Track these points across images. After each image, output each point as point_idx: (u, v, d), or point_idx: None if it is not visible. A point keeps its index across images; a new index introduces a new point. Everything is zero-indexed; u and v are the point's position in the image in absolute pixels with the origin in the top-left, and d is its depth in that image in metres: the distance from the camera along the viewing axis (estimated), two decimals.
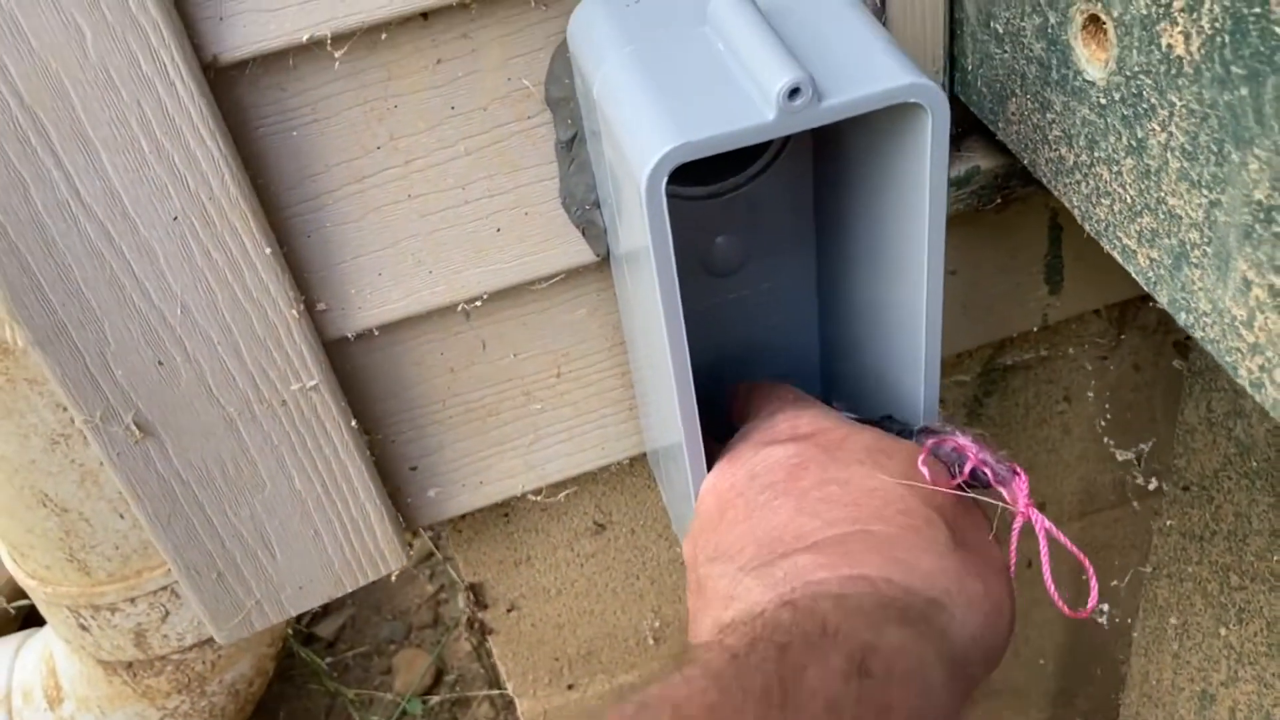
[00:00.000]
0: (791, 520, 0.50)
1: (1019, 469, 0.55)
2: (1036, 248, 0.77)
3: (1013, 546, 0.56)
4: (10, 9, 0.49)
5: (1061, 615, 1.11)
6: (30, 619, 1.15)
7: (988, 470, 0.53)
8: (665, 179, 0.46)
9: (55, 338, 0.58)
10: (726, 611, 0.50)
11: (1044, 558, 0.54)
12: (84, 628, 0.85)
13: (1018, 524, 0.56)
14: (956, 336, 0.80)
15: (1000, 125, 0.60)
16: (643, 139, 0.47)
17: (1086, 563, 0.55)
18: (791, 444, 0.54)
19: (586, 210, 0.63)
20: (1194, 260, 0.46)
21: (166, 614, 0.85)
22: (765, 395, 0.62)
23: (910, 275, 0.55)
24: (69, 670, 0.93)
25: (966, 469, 0.54)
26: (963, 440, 0.54)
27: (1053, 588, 0.56)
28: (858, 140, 0.57)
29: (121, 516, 0.79)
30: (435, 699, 1.67)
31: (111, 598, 0.82)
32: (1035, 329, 0.82)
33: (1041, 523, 0.54)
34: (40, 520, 0.78)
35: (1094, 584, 0.55)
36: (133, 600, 0.83)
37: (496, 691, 1.66)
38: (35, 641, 0.99)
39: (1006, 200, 0.69)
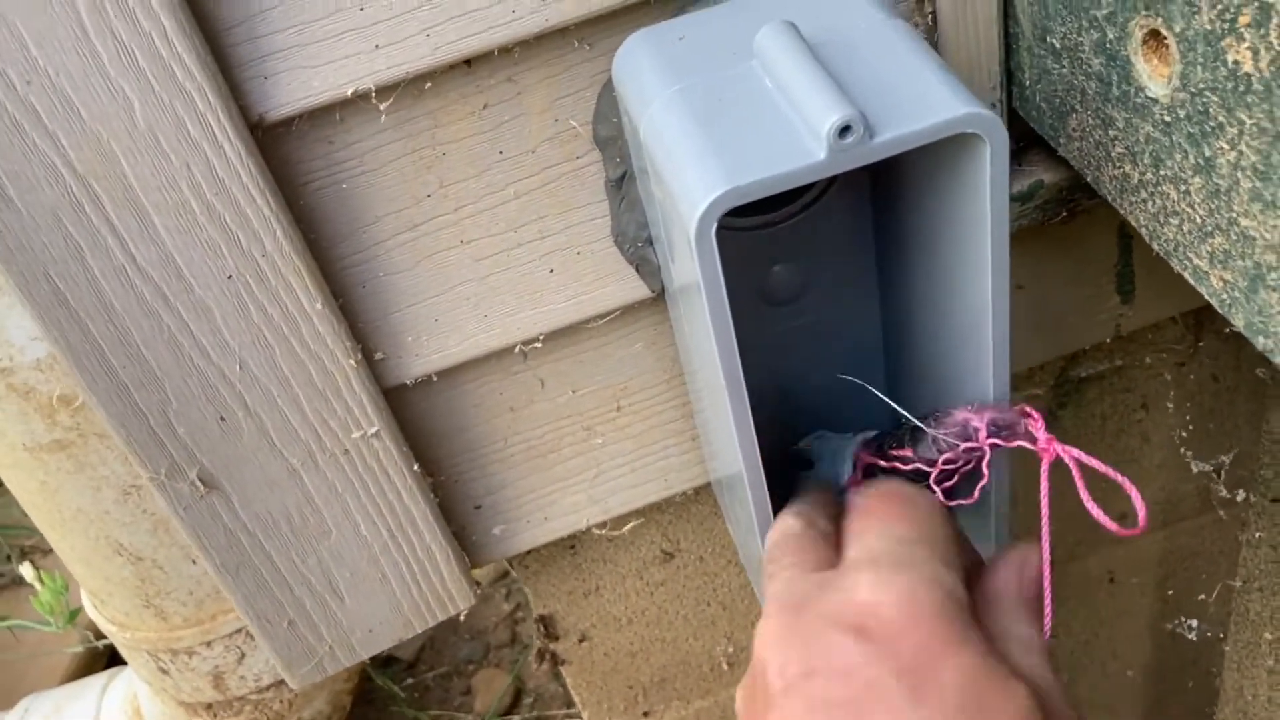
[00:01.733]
0: None
1: (1030, 410, 0.52)
2: (1106, 258, 0.75)
3: (1044, 487, 0.53)
4: (60, 84, 0.49)
5: (1149, 628, 1.08)
6: (116, 657, 1.17)
7: (1000, 425, 0.50)
8: (715, 224, 0.45)
9: (118, 399, 0.58)
10: None
11: (1080, 486, 0.52)
12: (164, 671, 0.86)
13: (1045, 464, 0.53)
14: (1027, 351, 0.78)
15: (1061, 141, 0.59)
16: (691, 184, 0.46)
17: (1126, 483, 0.52)
18: (868, 643, 0.42)
19: (639, 247, 0.63)
20: (1271, 283, 0.44)
21: (242, 656, 0.86)
22: (874, 507, 0.51)
23: (974, 303, 0.53)
24: (152, 710, 0.95)
25: (982, 434, 0.51)
26: (965, 413, 0.52)
27: (1094, 509, 0.53)
28: (915, 166, 0.55)
29: (194, 562, 0.80)
30: (515, 718, 1.67)
31: (188, 642, 0.84)
32: (1108, 340, 0.79)
33: (1070, 453, 0.51)
34: (117, 569, 0.80)
35: (1137, 499, 0.52)
36: (209, 644, 0.84)
37: (575, 710, 1.66)
38: (120, 681, 1.01)
39: (1072, 213, 0.67)
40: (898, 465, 0.57)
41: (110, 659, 1.30)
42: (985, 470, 0.54)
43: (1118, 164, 0.53)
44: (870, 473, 0.61)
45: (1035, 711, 0.41)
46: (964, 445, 0.53)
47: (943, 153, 0.50)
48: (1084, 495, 0.49)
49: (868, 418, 0.72)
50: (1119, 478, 0.51)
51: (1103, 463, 0.92)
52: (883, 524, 0.49)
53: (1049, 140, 0.60)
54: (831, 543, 0.51)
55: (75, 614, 1.04)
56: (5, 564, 1.60)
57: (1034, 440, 0.52)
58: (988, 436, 0.51)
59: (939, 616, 0.43)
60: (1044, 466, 0.52)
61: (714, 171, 0.45)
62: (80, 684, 1.03)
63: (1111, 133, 0.53)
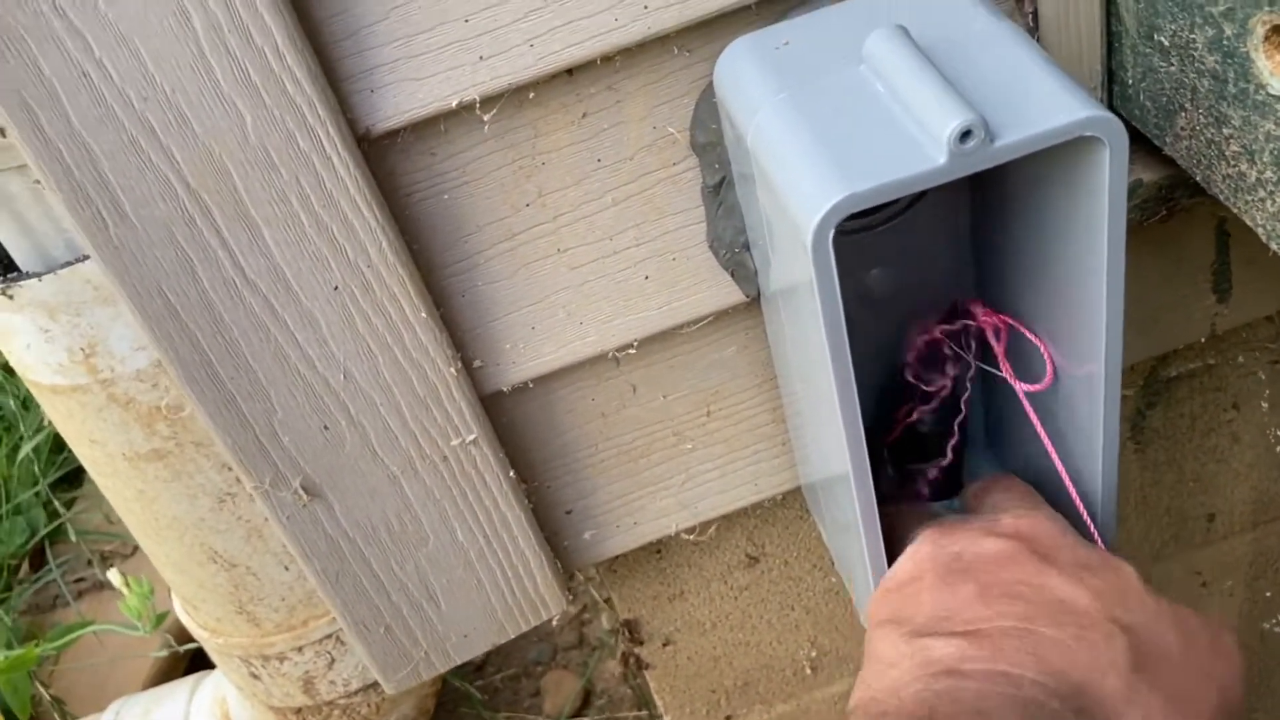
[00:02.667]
0: (967, 604, 0.50)
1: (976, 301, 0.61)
2: (1203, 256, 0.73)
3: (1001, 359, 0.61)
4: (176, 100, 0.50)
5: (1242, 629, 1.06)
6: (197, 660, 1.19)
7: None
8: (832, 231, 0.45)
9: (225, 410, 0.59)
10: (879, 680, 0.51)
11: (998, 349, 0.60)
12: (255, 676, 0.87)
13: (990, 337, 0.62)
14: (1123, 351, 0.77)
15: (1168, 140, 0.58)
16: (806, 191, 0.45)
17: (1041, 343, 0.59)
18: (1007, 541, 0.53)
19: (736, 253, 0.62)
20: None
21: (332, 661, 0.86)
22: (999, 487, 0.62)
23: (1085, 304, 0.53)
24: (241, 714, 0.96)
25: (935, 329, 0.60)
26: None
27: (1006, 367, 0.62)
28: (1020, 168, 0.54)
29: (286, 569, 0.81)
30: None
31: (280, 647, 0.85)
32: (1202, 339, 0.78)
33: (992, 320, 0.60)
34: (210, 576, 0.81)
35: (1047, 354, 0.59)
36: (300, 649, 0.85)
37: (645, 712, 1.66)
38: (208, 685, 1.02)
39: (1171, 211, 0.66)
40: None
41: (191, 663, 1.32)
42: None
43: (1232, 162, 0.52)
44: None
45: (1136, 577, 0.52)
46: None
47: (1054, 156, 0.50)
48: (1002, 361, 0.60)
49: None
50: (1037, 340, 0.59)
51: (1191, 458, 0.91)
52: (1010, 495, 0.60)
53: (1153, 139, 0.59)
54: None
55: (162, 618, 1.05)
56: (87, 569, 1.63)
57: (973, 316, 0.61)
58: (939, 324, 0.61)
59: (1068, 533, 0.55)
60: (992, 339, 0.61)
61: (832, 177, 0.45)
62: (168, 687, 1.05)
63: (1226, 131, 0.52)
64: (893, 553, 0.58)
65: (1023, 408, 0.65)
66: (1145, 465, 0.91)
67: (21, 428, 1.65)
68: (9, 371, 1.71)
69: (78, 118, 0.49)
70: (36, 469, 1.66)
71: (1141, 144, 0.63)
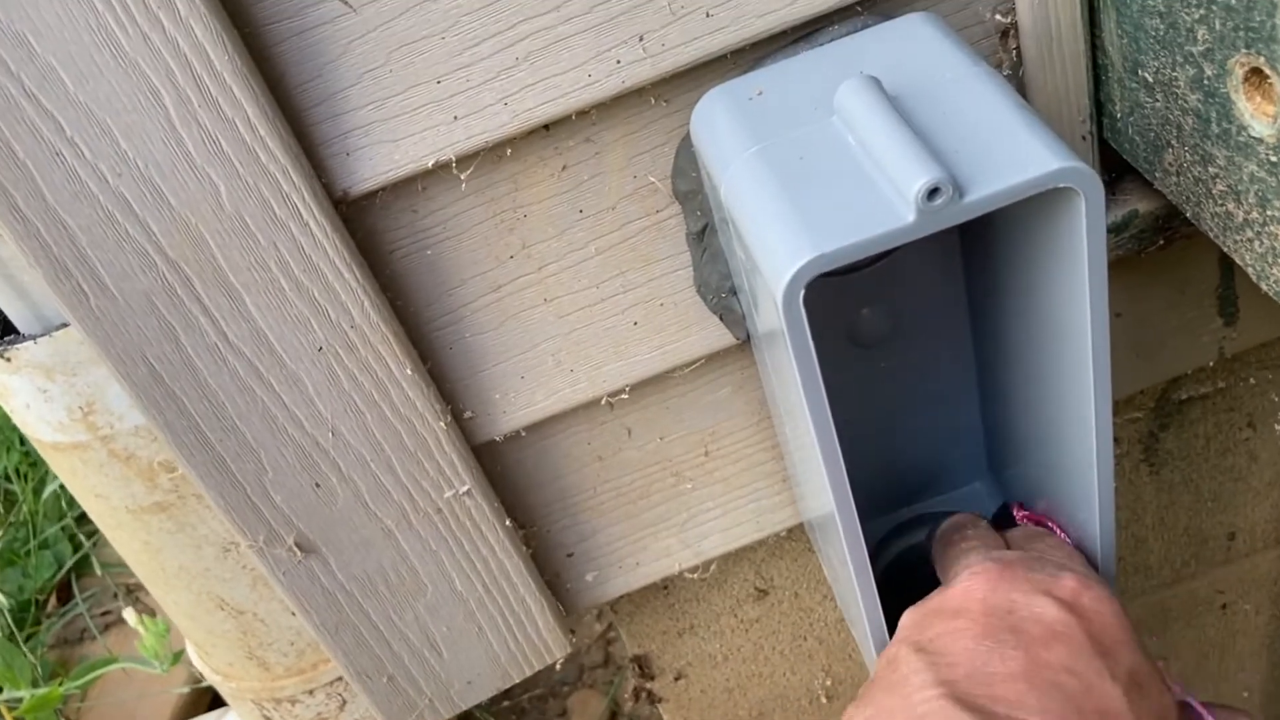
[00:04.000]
0: (1012, 681, 0.47)
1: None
2: (1207, 281, 0.72)
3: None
4: (149, 174, 0.50)
5: (1263, 648, 1.04)
6: (220, 695, 1.20)
7: None
8: (802, 290, 0.44)
9: (216, 471, 0.59)
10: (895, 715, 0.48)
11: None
12: (268, 718, 0.87)
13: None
14: (1128, 378, 0.76)
15: (1157, 175, 0.57)
16: (776, 250, 0.45)
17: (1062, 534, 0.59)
18: (1067, 612, 0.49)
19: (723, 298, 0.62)
20: None
21: (344, 703, 0.87)
22: (1047, 542, 0.58)
23: (1072, 347, 0.52)
24: None
25: None
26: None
27: None
28: (1007, 210, 0.54)
29: (293, 615, 0.81)
30: None
31: (290, 691, 0.85)
32: (1212, 362, 0.77)
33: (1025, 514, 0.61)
34: (219, 623, 0.81)
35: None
36: (311, 692, 0.85)
37: None
38: None
39: (1170, 240, 0.65)
40: None
41: (216, 697, 1.33)
42: None
43: (1219, 201, 0.51)
44: None
45: (1174, 713, 0.49)
46: None
47: (1036, 198, 0.49)
48: None
49: (960, 457, 0.71)
50: (1059, 530, 0.60)
51: (1208, 478, 0.89)
52: (1063, 550, 0.57)
53: (1143, 172, 0.58)
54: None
55: (178, 656, 1.06)
56: (113, 602, 1.65)
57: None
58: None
59: (1125, 621, 0.51)
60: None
61: (800, 238, 0.44)
62: None
63: (1212, 170, 0.51)
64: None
65: (1025, 433, 0.64)
66: (1160, 487, 0.90)
67: (44, 465, 1.67)
68: None
69: (52, 195, 0.49)
70: (63, 502, 1.68)
71: (1137, 173, 0.62)
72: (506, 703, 1.76)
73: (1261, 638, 1.03)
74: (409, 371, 0.59)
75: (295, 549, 0.63)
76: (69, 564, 1.69)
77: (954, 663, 0.48)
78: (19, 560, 1.65)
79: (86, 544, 1.68)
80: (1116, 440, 0.84)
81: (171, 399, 0.56)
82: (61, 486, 1.64)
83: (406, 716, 0.72)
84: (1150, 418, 0.84)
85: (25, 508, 1.68)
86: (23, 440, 1.72)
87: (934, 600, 0.54)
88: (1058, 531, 0.61)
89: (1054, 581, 0.51)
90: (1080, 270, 0.47)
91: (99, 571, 1.67)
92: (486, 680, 0.73)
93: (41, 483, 1.68)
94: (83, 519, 1.70)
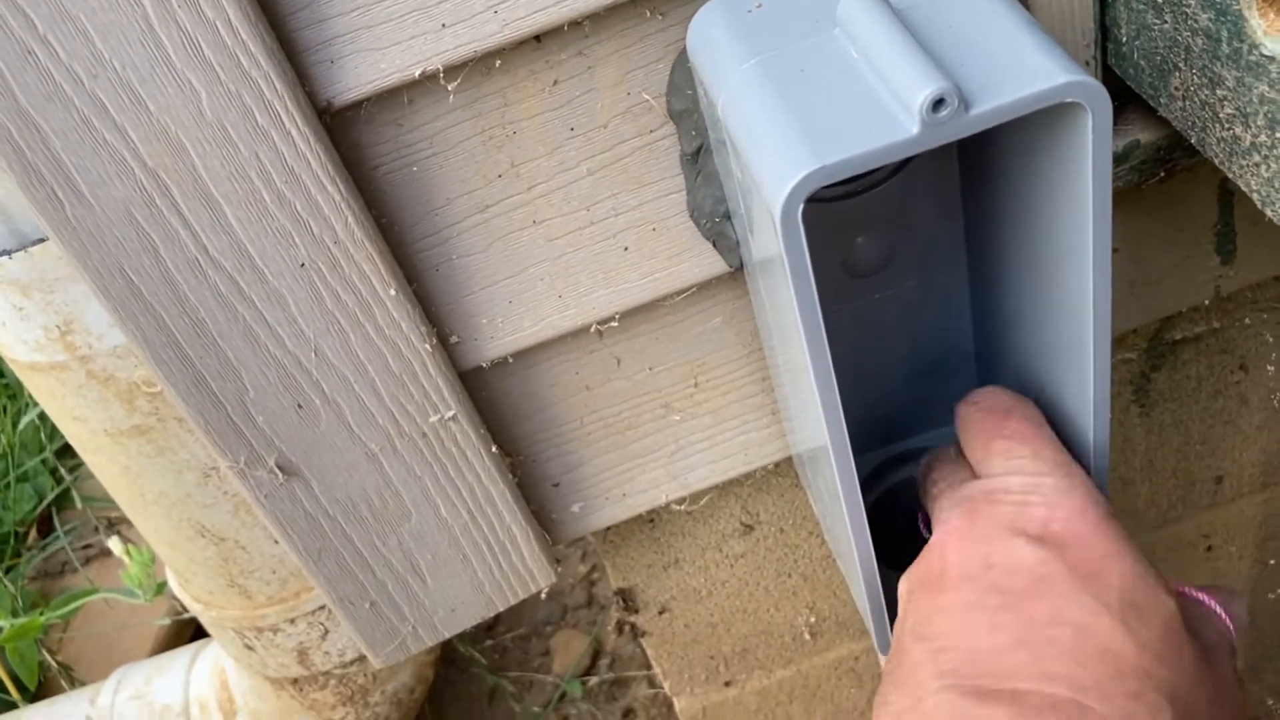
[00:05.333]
0: (1008, 650, 0.45)
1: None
2: (1206, 217, 0.71)
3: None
4: (127, 77, 0.48)
5: (1245, 591, 1.04)
6: (202, 626, 1.19)
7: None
8: (801, 205, 0.43)
9: (196, 390, 0.58)
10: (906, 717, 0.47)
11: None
12: (249, 647, 0.87)
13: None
14: (1122, 315, 0.75)
15: (1162, 100, 0.55)
16: (775, 164, 0.44)
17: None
18: (1042, 548, 0.47)
19: (716, 223, 0.61)
20: None
21: (326, 632, 0.86)
22: (1003, 431, 0.55)
23: (1073, 275, 0.51)
24: (240, 684, 0.96)
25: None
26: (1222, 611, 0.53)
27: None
28: (1008, 132, 0.52)
29: (275, 542, 0.80)
30: (594, 680, 1.68)
31: (272, 619, 0.84)
32: (1206, 301, 0.76)
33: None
34: (200, 550, 0.80)
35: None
36: (292, 621, 0.85)
37: (653, 672, 1.66)
38: (208, 653, 1.02)
39: (1170, 172, 0.64)
40: None
41: (198, 629, 1.33)
42: None
43: (1227, 125, 0.50)
44: None
45: (1178, 619, 0.47)
46: None
47: (1039, 119, 0.48)
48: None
49: (954, 390, 0.70)
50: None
51: (1198, 420, 0.89)
52: (1026, 445, 0.53)
53: (1148, 99, 0.57)
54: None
55: (162, 586, 1.05)
56: (94, 535, 1.64)
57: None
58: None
59: (1105, 529, 0.49)
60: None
61: (800, 150, 0.43)
62: (169, 656, 1.05)
63: (1220, 92, 0.49)
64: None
65: (1020, 367, 0.63)
66: (1151, 428, 0.89)
67: (25, 395, 1.66)
68: None
69: (25, 96, 0.48)
70: (43, 435, 1.67)
71: (1139, 103, 0.61)
72: (490, 641, 1.77)
73: (1244, 582, 1.03)
74: (393, 292, 0.58)
75: (277, 471, 0.62)
76: (50, 497, 1.68)
77: (949, 646, 0.47)
78: None
79: (68, 477, 1.67)
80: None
81: (150, 314, 0.55)
82: (39, 418, 1.63)
83: (389, 644, 0.72)
84: (1143, 358, 0.84)
85: (4, 439, 1.67)
86: (1, 373, 1.71)
87: (919, 566, 0.53)
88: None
89: (1022, 514, 0.50)
90: (1084, 193, 0.46)
91: (80, 505, 1.67)
92: (470, 608, 0.72)
93: (19, 414, 1.66)
94: (63, 452, 1.69)
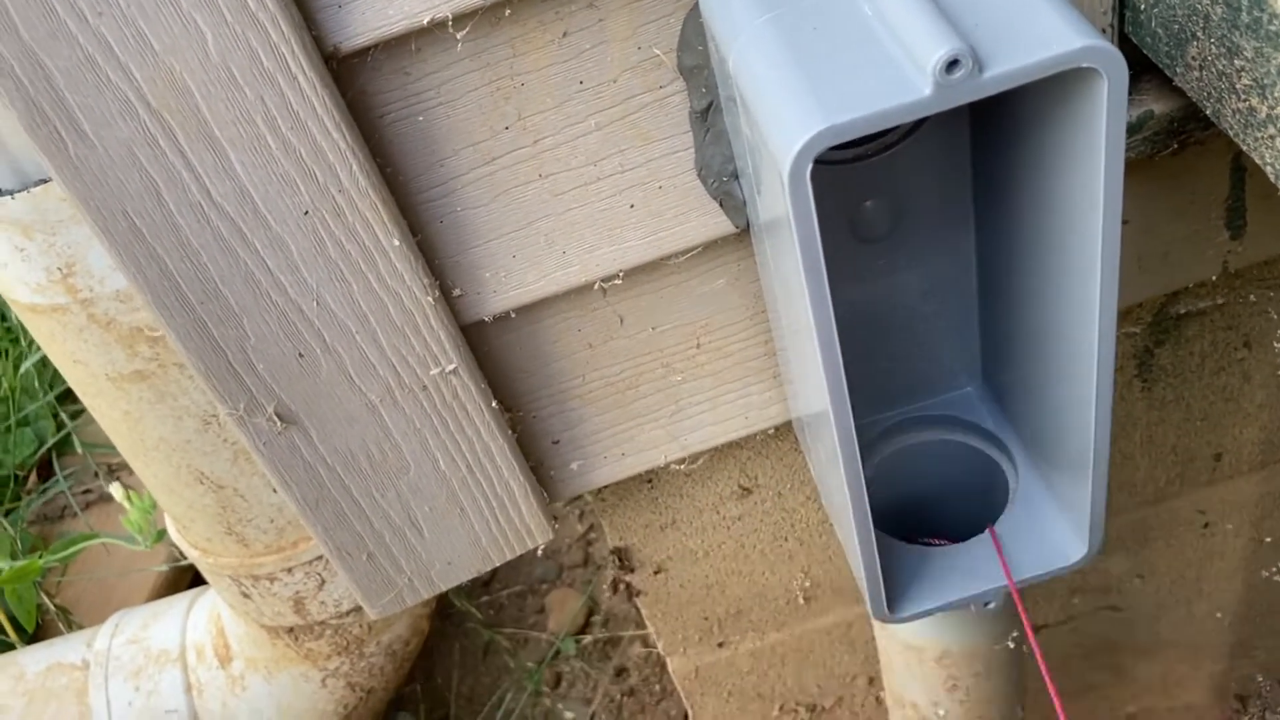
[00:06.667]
0: None
1: None
2: (1216, 191, 0.70)
3: None
4: (132, 15, 0.48)
5: (1241, 570, 1.05)
6: (200, 573, 1.20)
7: None
8: (810, 164, 0.42)
9: (197, 335, 0.58)
10: None
11: None
12: (246, 595, 0.87)
13: None
14: (1129, 288, 0.74)
15: (1178, 70, 0.55)
16: (785, 121, 0.43)
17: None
18: None
19: (724, 182, 0.60)
20: None
21: (323, 582, 0.86)
22: None
23: (1081, 243, 0.50)
24: (236, 631, 0.96)
25: None
26: None
27: None
28: (1021, 97, 0.52)
29: (274, 491, 0.80)
30: (588, 638, 1.69)
31: (269, 568, 0.84)
32: (1214, 276, 0.76)
33: None
34: (198, 496, 0.80)
35: None
36: (290, 570, 0.85)
37: (646, 631, 1.67)
38: (205, 600, 1.03)
39: (1183, 145, 0.63)
40: None
41: (196, 576, 1.33)
42: None
43: (1243, 96, 0.49)
44: None
45: None
46: None
47: (1054, 84, 0.47)
48: None
49: (955, 360, 0.70)
50: None
51: (1199, 396, 0.88)
52: None
53: (1164, 69, 0.56)
54: None
55: (162, 534, 1.06)
56: (94, 481, 1.64)
57: None
58: None
59: None
60: None
61: (810, 109, 0.42)
62: (166, 602, 1.05)
63: (1238, 63, 0.49)
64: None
65: (1023, 338, 0.63)
66: (1152, 403, 0.89)
67: (27, 339, 1.65)
68: None
69: (28, 32, 0.47)
70: (43, 381, 1.67)
71: (1154, 73, 0.60)
72: (486, 598, 1.78)
73: (1238, 559, 1.03)
74: (397, 242, 0.57)
75: (276, 419, 0.61)
76: (50, 442, 1.68)
77: None
78: None
79: (69, 423, 1.67)
80: None
81: (153, 258, 0.55)
82: (41, 363, 1.63)
83: (384, 595, 0.72)
84: (1147, 332, 0.84)
85: (5, 383, 1.67)
86: (2, 316, 1.70)
87: None
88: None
89: None
90: (1096, 160, 0.46)
91: (80, 450, 1.67)
92: (467, 562, 0.72)
93: (21, 358, 1.66)
94: (65, 397, 1.69)
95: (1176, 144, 0.63)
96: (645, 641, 1.69)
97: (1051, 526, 0.65)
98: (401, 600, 0.73)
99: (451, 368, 0.63)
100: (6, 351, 1.69)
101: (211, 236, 0.55)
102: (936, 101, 0.42)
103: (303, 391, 0.61)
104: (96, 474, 1.64)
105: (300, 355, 0.60)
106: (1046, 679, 0.60)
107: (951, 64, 0.41)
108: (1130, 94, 0.61)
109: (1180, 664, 1.14)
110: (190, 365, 0.59)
